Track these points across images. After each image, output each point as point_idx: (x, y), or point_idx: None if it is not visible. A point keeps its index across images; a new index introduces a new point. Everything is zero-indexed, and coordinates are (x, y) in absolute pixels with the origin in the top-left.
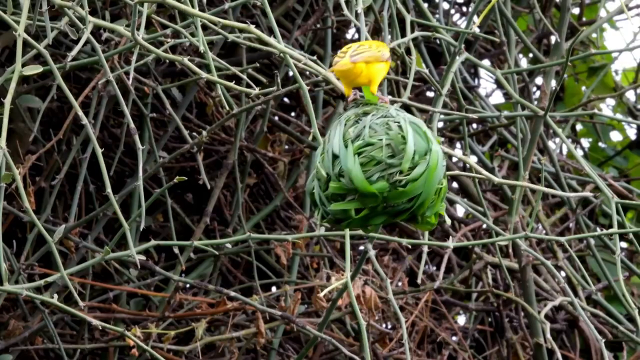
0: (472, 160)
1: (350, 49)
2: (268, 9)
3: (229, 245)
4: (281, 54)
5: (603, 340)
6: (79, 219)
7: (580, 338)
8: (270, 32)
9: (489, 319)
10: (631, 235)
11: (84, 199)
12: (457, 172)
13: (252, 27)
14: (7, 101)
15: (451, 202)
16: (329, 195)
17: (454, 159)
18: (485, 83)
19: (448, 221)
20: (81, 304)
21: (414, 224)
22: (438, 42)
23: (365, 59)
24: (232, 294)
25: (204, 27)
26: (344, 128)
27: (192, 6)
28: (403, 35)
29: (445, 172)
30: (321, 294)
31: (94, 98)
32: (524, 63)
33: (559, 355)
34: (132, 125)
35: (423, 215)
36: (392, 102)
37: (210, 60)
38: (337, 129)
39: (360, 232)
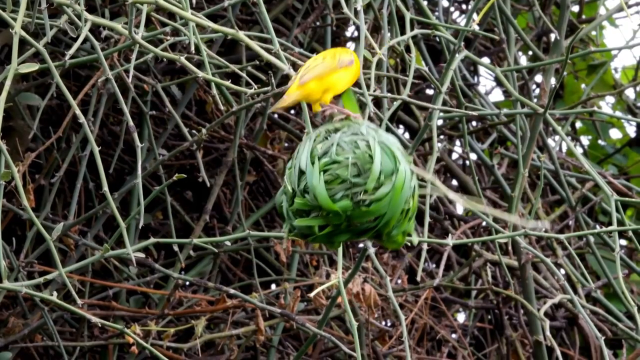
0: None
1: (303, 68)
2: (263, 9)
3: (228, 243)
4: (278, 51)
5: (602, 338)
6: (78, 216)
7: (579, 335)
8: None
9: (489, 317)
10: (630, 233)
11: (83, 196)
12: (428, 189)
13: (240, 33)
14: (2, 99)
15: (451, 200)
16: (294, 210)
17: (454, 156)
18: (485, 81)
19: (415, 241)
20: (80, 301)
21: (379, 241)
22: (437, 39)
23: (316, 76)
24: (232, 291)
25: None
26: (313, 144)
27: (186, 7)
28: (402, 33)
29: (415, 191)
30: (312, 294)
31: (93, 96)
32: (523, 61)
33: (558, 352)
34: (132, 123)
35: (389, 234)
36: (392, 100)
37: (206, 58)
38: (306, 144)
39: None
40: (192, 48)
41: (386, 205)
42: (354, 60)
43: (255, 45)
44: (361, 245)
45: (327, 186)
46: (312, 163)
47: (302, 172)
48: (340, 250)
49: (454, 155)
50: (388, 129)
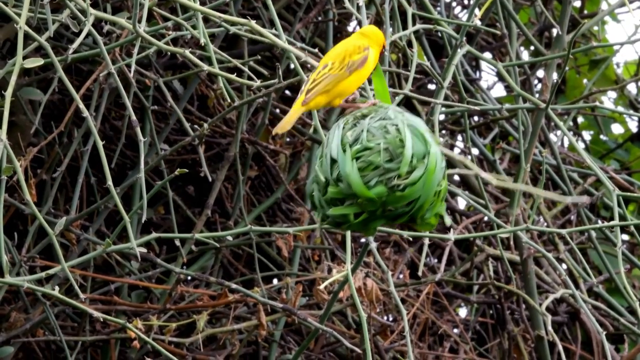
0: (471, 162)
1: (310, 80)
2: (270, 2)
3: (230, 238)
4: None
5: (604, 333)
6: (80, 211)
7: (581, 330)
8: (272, 24)
9: (490, 312)
10: (632, 228)
11: (85, 191)
12: (457, 170)
13: (253, 23)
14: (8, 94)
15: (452, 195)
16: (327, 199)
17: (456, 151)
18: (487, 76)
19: (448, 221)
20: (82, 296)
21: (414, 225)
22: (439, 34)
23: (322, 90)
24: (234, 286)
25: (206, 20)
26: (342, 131)
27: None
28: (404, 28)
29: (445, 173)
30: (321, 287)
31: (95, 90)
32: (525, 56)
33: (560, 347)
34: (134, 117)
35: (423, 217)
36: (394, 95)
37: (212, 53)
38: (336, 133)
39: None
40: (202, 40)
41: (420, 188)
42: (367, 56)
43: (268, 33)
44: (363, 239)
45: (360, 173)
46: (344, 151)
47: (334, 161)
48: (348, 243)
49: (456, 150)
50: None
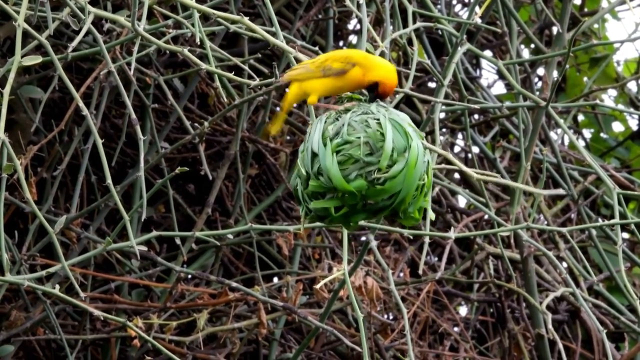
0: (453, 157)
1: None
2: (267, 1)
3: (230, 236)
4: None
5: (604, 331)
6: (80, 209)
7: (581, 329)
8: (272, 22)
9: (491, 310)
10: (633, 226)
11: (85, 189)
12: (442, 166)
13: (246, 19)
14: (6, 91)
15: (453, 193)
16: (309, 193)
17: (457, 149)
18: (487, 74)
19: (432, 216)
20: (82, 294)
21: (397, 219)
22: (440, 32)
23: (295, 75)
24: (234, 284)
25: (206, 18)
26: (324, 125)
27: None
28: (405, 25)
29: (428, 167)
30: (318, 286)
31: (95, 89)
32: (525, 54)
33: (560, 346)
34: (134, 115)
35: (405, 212)
36: (395, 93)
37: (209, 51)
38: (317, 126)
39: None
40: (197, 38)
41: (400, 182)
42: (346, 70)
43: (261, 30)
44: (364, 238)
45: (340, 167)
46: (325, 145)
47: (314, 155)
48: (345, 241)
49: (456, 148)
50: None
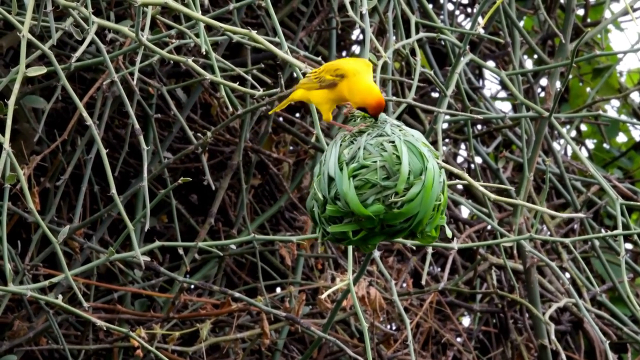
0: (468, 176)
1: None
2: (272, 11)
3: (233, 246)
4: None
5: (607, 342)
6: (83, 219)
7: (584, 339)
8: (275, 33)
9: (494, 320)
10: (636, 237)
11: (88, 199)
12: (456, 181)
13: (253, 33)
14: (11, 102)
15: (456, 203)
16: (326, 216)
17: (460, 159)
18: (490, 84)
19: (449, 233)
20: (85, 304)
21: (414, 239)
22: (443, 43)
23: (307, 83)
24: (237, 294)
25: (209, 28)
26: (339, 149)
27: (195, 8)
28: (408, 36)
29: (444, 186)
30: (323, 296)
31: (98, 99)
32: (528, 64)
33: (563, 356)
34: (137, 125)
35: (422, 232)
36: (398, 104)
37: (214, 61)
38: (333, 150)
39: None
40: (203, 48)
41: (418, 204)
42: (335, 83)
43: (269, 44)
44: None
45: (357, 191)
46: (341, 169)
47: (331, 179)
48: (350, 252)
49: (459, 159)
50: None
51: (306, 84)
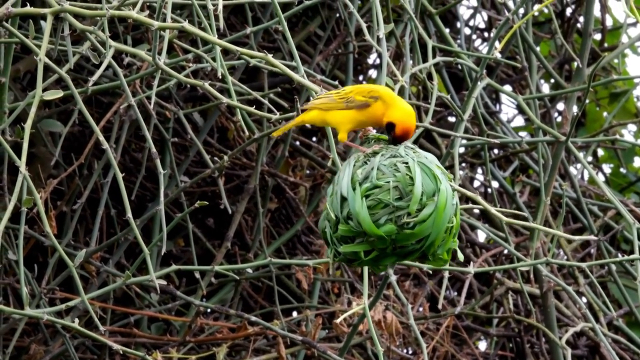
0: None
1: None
2: (288, 35)
3: (250, 270)
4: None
5: None
6: (100, 243)
7: None
8: (292, 57)
9: (510, 345)
10: None
11: (105, 223)
12: (470, 205)
13: (270, 57)
14: (28, 125)
15: (472, 228)
16: (338, 236)
17: (476, 184)
18: (507, 108)
19: (461, 257)
20: (102, 328)
21: (426, 261)
22: (460, 67)
23: (319, 103)
24: (253, 318)
25: (226, 52)
26: (353, 169)
27: (212, 32)
28: (424, 60)
29: (457, 209)
30: (338, 320)
31: (115, 122)
32: (545, 89)
33: None
34: (154, 149)
35: (434, 254)
36: (415, 128)
37: (231, 85)
38: (346, 170)
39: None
40: (219, 72)
41: (430, 226)
42: (369, 103)
43: (285, 68)
44: (383, 272)
45: (370, 211)
46: (354, 189)
47: (344, 199)
48: (365, 275)
49: (476, 183)
50: None
51: (325, 104)
